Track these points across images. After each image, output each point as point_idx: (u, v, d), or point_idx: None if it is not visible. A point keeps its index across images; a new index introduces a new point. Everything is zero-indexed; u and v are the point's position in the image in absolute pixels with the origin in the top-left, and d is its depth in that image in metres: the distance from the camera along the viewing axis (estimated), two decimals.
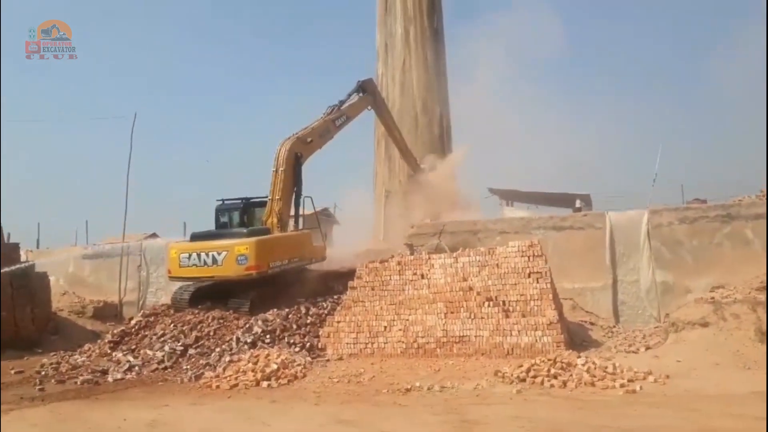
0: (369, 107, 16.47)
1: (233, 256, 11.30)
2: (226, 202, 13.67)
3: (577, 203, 16.50)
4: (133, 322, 12.03)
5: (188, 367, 9.63)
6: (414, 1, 20.74)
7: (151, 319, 11.88)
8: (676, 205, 13.99)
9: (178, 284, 12.84)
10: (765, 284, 9.83)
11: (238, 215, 13.35)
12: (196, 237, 12.48)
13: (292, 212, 13.28)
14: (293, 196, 13.16)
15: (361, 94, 15.91)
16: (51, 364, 10.35)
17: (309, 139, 13.64)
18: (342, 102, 15.24)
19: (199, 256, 11.67)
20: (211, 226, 13.42)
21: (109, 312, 15.88)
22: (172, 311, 12.13)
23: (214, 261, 11.49)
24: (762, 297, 9.29)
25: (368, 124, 20.64)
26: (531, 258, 10.22)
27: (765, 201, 12.65)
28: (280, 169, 12.79)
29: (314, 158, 14.04)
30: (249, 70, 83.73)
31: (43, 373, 9.85)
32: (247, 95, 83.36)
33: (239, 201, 13.53)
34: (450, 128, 21.26)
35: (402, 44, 20.65)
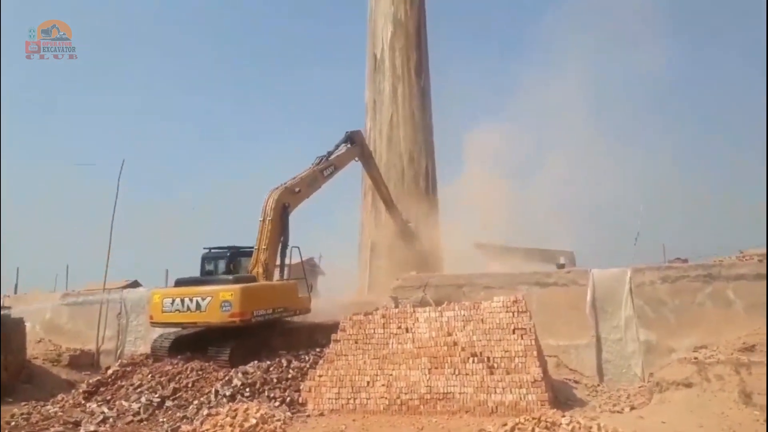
0: (356, 158, 16.74)
1: (217, 302, 11.19)
2: (212, 250, 13.63)
3: (561, 260, 16.63)
4: (109, 371, 11.72)
5: (165, 419, 9.34)
6: (402, 61, 21.47)
7: (129, 368, 11.60)
8: (658, 264, 14.17)
9: (158, 332, 12.61)
10: (747, 346, 9.91)
11: (224, 264, 13.29)
12: (180, 282, 12.39)
13: (279, 262, 13.26)
14: (280, 246, 13.17)
15: (349, 145, 16.24)
16: (22, 414, 9.99)
17: (297, 189, 13.79)
18: (330, 153, 15.52)
19: (182, 301, 11.54)
20: (195, 274, 13.32)
21: (85, 360, 15.46)
22: (150, 361, 11.87)
23: (198, 306, 11.36)
24: (745, 359, 9.34)
25: (356, 175, 20.92)
26: (516, 314, 10.22)
27: (745, 262, 12.89)
28: (268, 218, 12.87)
29: (301, 208, 14.16)
30: (239, 121, 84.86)
31: (13, 423, 9.51)
32: (236, 145, 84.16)
33: (225, 249, 13.51)
34: (436, 181, 21.63)
35: (390, 101, 21.23)
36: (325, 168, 15.06)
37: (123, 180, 17.25)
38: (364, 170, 17.90)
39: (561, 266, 14.86)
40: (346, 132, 16.27)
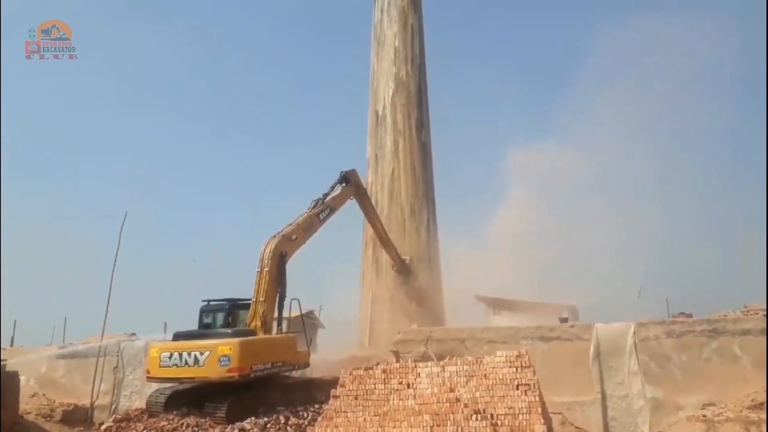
0: (352, 197, 16.67)
1: (216, 357, 11.00)
2: (211, 302, 13.52)
3: (564, 313, 16.48)
4: (102, 427, 11.44)
5: None
6: (403, 117, 21.99)
7: (123, 424, 11.29)
8: (662, 318, 14.03)
9: (154, 387, 12.36)
10: (756, 403, 9.69)
11: (223, 316, 13.14)
12: (178, 336, 12.23)
13: (277, 314, 13.11)
14: (277, 298, 13.05)
15: (344, 185, 16.13)
16: None
17: (294, 237, 13.62)
18: (326, 195, 15.38)
19: (180, 355, 11.36)
20: (194, 327, 13.18)
21: (79, 416, 15.10)
22: (145, 416, 11.56)
23: (196, 361, 11.16)
24: (754, 416, 9.12)
25: (356, 227, 21.05)
26: (519, 369, 10.02)
27: (750, 317, 12.75)
28: (265, 269, 12.76)
29: (300, 260, 14.10)
30: (240, 172, 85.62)
31: None
32: (237, 196, 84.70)
33: (224, 302, 13.39)
34: (437, 233, 21.70)
35: (391, 155, 21.59)
36: (321, 211, 14.88)
37: (126, 232, 17.30)
38: (360, 209, 17.75)
39: (564, 320, 14.71)
40: (341, 172, 16.15)
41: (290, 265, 13.43)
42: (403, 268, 19.27)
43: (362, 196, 17.36)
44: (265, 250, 12.92)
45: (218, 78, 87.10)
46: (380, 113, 22.35)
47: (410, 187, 21.24)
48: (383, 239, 18.48)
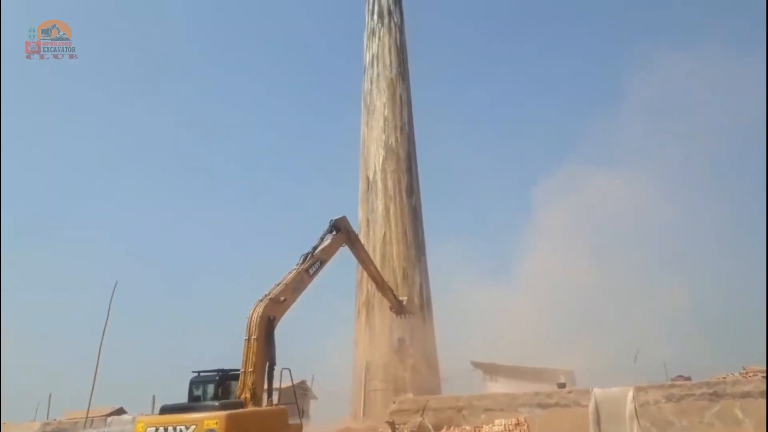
0: (344, 244, 16.02)
1: (202, 431, 10.59)
2: (201, 373, 13.13)
3: (561, 378, 16.15)
4: None
5: None
6: (394, 183, 22.36)
7: None
8: (661, 382, 13.79)
9: None
10: None
11: (213, 388, 12.70)
12: (165, 410, 11.77)
13: (267, 385, 12.72)
14: (267, 367, 12.64)
15: (334, 233, 15.44)
16: None
17: (282, 298, 12.91)
18: (315, 247, 14.55)
19: (166, 430, 10.92)
20: (184, 399, 12.75)
21: None
22: None
23: None
24: None
25: (350, 295, 20.90)
26: None
27: (749, 379, 12.57)
28: (252, 337, 12.25)
29: (291, 327, 13.67)
30: (230, 236, 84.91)
31: None
32: (225, 259, 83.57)
33: (214, 373, 13.01)
34: (430, 297, 21.56)
35: (383, 219, 21.80)
36: (311, 265, 14.09)
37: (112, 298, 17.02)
38: (353, 254, 17.03)
39: (562, 386, 14.41)
40: (331, 220, 15.45)
41: (280, 333, 13.00)
42: (401, 309, 18.88)
43: (354, 242, 16.71)
44: (252, 315, 12.27)
45: (209, 139, 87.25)
46: (371, 178, 22.72)
47: (402, 251, 21.31)
48: (379, 282, 18.11)
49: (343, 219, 16.03)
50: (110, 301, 17.34)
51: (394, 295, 18.72)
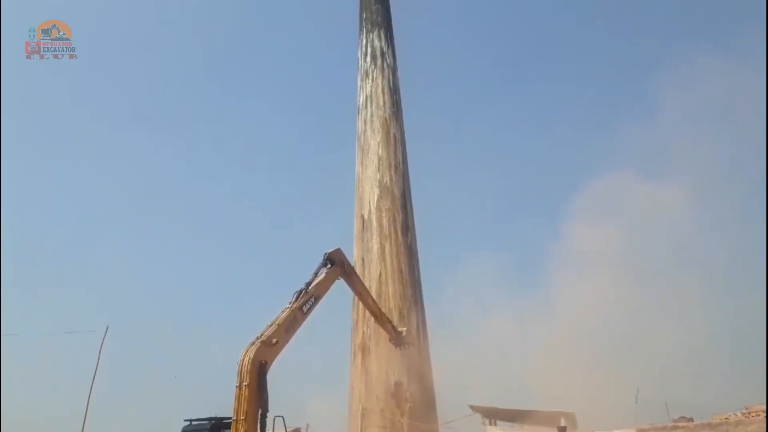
0: (339, 278, 15.39)
1: None
2: (193, 422, 12.81)
3: (562, 422, 15.77)
4: None
5: None
6: (389, 221, 22.32)
7: None
8: (663, 423, 13.49)
9: None
10: None
11: None
12: None
13: None
14: (259, 414, 12.15)
15: (328, 267, 14.90)
16: None
17: (274, 340, 12.29)
18: (309, 283, 13.99)
19: None
20: None
21: None
22: None
23: None
24: None
25: (344, 337, 20.59)
26: None
27: (752, 419, 12.31)
28: (244, 384, 11.61)
29: (286, 372, 13.30)
30: (222, 279, 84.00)
31: None
32: (219, 305, 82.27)
33: (206, 421, 12.68)
34: (427, 337, 21.26)
35: (378, 258, 21.66)
36: (305, 303, 13.51)
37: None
38: (349, 287, 16.42)
39: (562, 429, 14.09)
40: (325, 254, 14.83)
41: (272, 376, 12.55)
42: (400, 341, 18.44)
43: (350, 275, 16.06)
44: (243, 360, 11.65)
45: (206, 179, 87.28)
46: (366, 217, 22.70)
47: (398, 290, 21.11)
48: (377, 315, 17.72)
49: (338, 251, 15.46)
50: (101, 347, 16.99)
51: (393, 327, 18.38)
